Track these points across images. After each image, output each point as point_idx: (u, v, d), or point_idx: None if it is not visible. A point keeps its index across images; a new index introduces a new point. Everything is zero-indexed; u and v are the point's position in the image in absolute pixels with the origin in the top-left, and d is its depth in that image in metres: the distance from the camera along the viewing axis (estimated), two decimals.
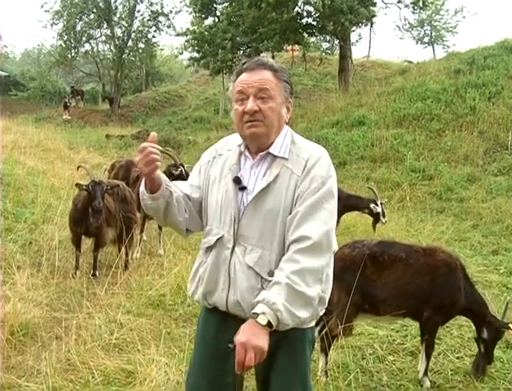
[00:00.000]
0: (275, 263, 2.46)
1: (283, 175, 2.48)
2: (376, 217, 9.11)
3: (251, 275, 2.47)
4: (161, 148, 2.48)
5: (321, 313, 2.58)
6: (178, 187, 2.66)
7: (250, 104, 2.45)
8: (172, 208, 2.59)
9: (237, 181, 2.53)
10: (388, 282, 4.56)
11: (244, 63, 2.56)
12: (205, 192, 2.67)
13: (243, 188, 2.52)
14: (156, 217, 2.74)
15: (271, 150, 2.52)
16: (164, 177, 2.54)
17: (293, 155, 2.52)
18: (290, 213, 2.45)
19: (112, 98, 33.72)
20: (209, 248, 2.60)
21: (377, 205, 8.93)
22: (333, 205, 2.48)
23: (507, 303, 4.92)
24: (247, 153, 2.59)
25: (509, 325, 4.61)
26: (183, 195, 2.65)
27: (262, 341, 2.20)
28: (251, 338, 2.19)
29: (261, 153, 2.54)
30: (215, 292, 2.57)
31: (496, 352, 5.09)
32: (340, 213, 8.72)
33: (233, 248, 2.52)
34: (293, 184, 2.46)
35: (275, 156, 2.52)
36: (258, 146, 2.54)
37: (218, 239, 2.56)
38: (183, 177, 8.14)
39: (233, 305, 2.52)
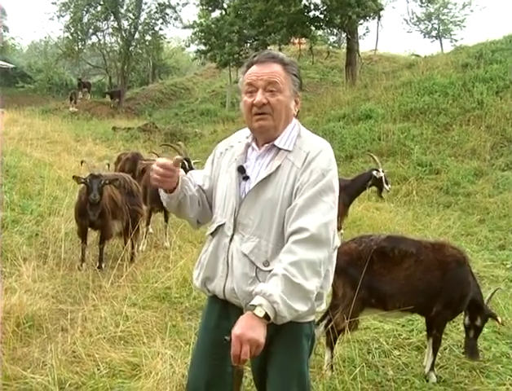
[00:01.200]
0: (271, 253, 2.47)
1: (284, 167, 2.50)
2: (380, 185, 9.07)
3: (246, 263, 2.49)
4: (178, 159, 2.54)
5: (318, 309, 2.59)
6: (194, 180, 2.74)
7: (259, 97, 2.48)
8: (184, 206, 2.68)
9: (241, 170, 2.57)
10: (398, 277, 4.53)
11: (254, 56, 2.60)
12: (215, 182, 2.73)
13: (246, 178, 2.57)
14: (169, 210, 2.89)
15: (276, 142, 2.55)
16: (181, 176, 2.60)
17: (296, 148, 2.54)
18: (289, 204, 2.46)
19: (112, 92, 33.71)
20: (211, 235, 2.66)
21: (379, 171, 8.90)
22: (332, 199, 2.48)
23: (495, 290, 5.04)
24: (254, 144, 2.64)
25: (498, 318, 4.65)
26: (197, 188, 2.73)
27: (258, 334, 2.19)
28: (247, 331, 2.18)
29: (266, 145, 2.57)
30: (214, 279, 2.62)
31: (503, 348, 5.09)
32: (348, 203, 8.73)
33: (232, 235, 2.55)
34: (293, 176, 2.48)
35: (279, 148, 2.55)
36: (265, 138, 2.58)
37: (218, 226, 2.61)
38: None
39: (229, 293, 2.55)
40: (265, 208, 2.49)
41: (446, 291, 4.51)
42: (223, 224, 2.59)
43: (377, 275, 4.51)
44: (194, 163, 8.80)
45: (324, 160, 2.50)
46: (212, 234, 2.65)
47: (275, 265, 2.36)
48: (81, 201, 7.23)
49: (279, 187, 2.48)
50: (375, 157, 9.50)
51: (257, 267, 2.47)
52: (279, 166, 2.50)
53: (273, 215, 2.48)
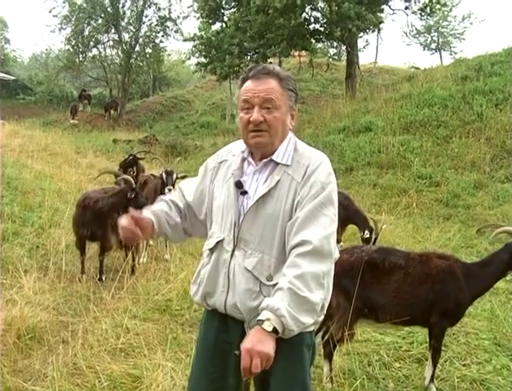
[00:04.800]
0: (274, 268, 2.48)
1: (284, 181, 2.51)
2: (364, 240, 8.96)
3: (250, 279, 2.50)
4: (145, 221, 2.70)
5: (320, 319, 2.59)
6: (182, 196, 2.87)
7: (256, 115, 2.48)
8: (169, 236, 2.87)
9: (239, 185, 2.57)
10: (387, 289, 4.54)
11: (250, 70, 2.58)
12: (210, 197, 2.73)
13: (244, 193, 2.56)
14: None
15: (274, 157, 2.55)
16: (157, 215, 2.77)
17: (294, 162, 2.55)
18: (290, 218, 2.47)
19: (107, 104, 33.77)
20: (210, 251, 2.65)
21: (369, 233, 8.76)
22: (332, 211, 2.49)
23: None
24: (250, 159, 2.63)
25: None
26: (184, 206, 2.84)
27: (268, 347, 2.20)
28: (256, 344, 2.19)
29: (264, 160, 2.57)
30: (215, 294, 2.61)
31: (503, 360, 5.10)
32: (344, 223, 8.78)
33: (233, 251, 2.55)
34: (293, 190, 2.49)
35: (277, 163, 2.55)
36: (262, 153, 2.58)
37: (217, 242, 2.61)
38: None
39: (231, 308, 2.55)
40: (266, 224, 2.50)
41: (439, 302, 4.51)
42: (222, 239, 2.59)
43: (369, 286, 4.52)
44: (181, 177, 8.68)
45: (323, 173, 2.51)
46: (211, 249, 2.65)
47: (280, 279, 2.37)
48: (80, 212, 7.25)
49: (279, 202, 2.49)
50: (377, 224, 8.95)
51: (260, 282, 2.48)
52: (278, 181, 2.50)
53: (275, 230, 2.49)
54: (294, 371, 2.58)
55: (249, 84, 2.54)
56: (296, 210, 2.47)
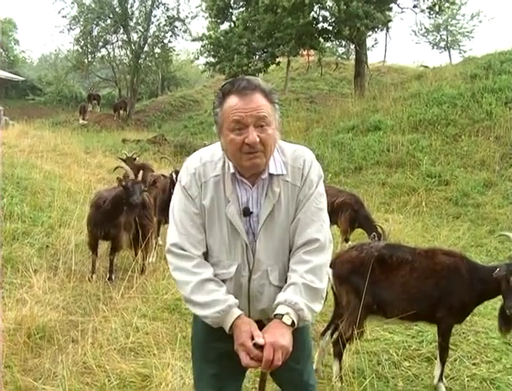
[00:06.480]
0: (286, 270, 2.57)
1: (285, 190, 2.51)
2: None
3: (275, 290, 2.55)
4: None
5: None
6: (204, 264, 2.56)
7: (252, 135, 2.34)
8: None
9: (247, 211, 2.49)
10: (395, 284, 4.55)
11: (231, 85, 2.42)
12: (204, 223, 2.55)
13: (249, 214, 2.50)
14: None
15: (271, 171, 2.48)
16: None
17: (288, 168, 2.52)
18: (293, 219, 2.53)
19: (115, 104, 33.88)
20: (223, 280, 2.54)
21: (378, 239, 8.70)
22: (324, 203, 2.59)
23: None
24: (240, 177, 2.51)
25: None
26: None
27: (288, 342, 2.33)
28: (279, 338, 2.31)
29: (262, 176, 2.48)
30: None
31: None
32: (353, 226, 8.82)
33: (250, 274, 2.55)
34: (295, 196, 2.52)
35: (272, 175, 2.49)
36: (255, 172, 2.48)
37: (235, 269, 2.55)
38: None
39: (256, 314, 2.59)
40: (278, 238, 2.52)
41: (444, 298, 4.50)
42: (238, 266, 2.52)
43: (378, 282, 4.53)
44: None
45: (315, 172, 2.56)
46: (226, 279, 2.54)
47: (290, 275, 2.48)
48: (96, 212, 7.27)
49: (285, 213, 2.51)
50: (385, 232, 8.95)
51: (281, 287, 2.52)
52: (279, 193, 2.48)
53: (286, 240, 2.55)
54: (304, 347, 2.80)
55: (236, 102, 2.37)
56: (296, 210, 2.53)
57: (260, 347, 2.30)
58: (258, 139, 2.34)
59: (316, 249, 2.48)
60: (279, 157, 2.53)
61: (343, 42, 33.45)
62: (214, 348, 2.66)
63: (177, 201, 2.60)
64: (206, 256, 2.58)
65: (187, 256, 2.52)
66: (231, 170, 2.48)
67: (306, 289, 2.41)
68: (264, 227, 2.49)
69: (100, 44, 35.40)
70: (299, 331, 2.56)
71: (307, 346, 2.88)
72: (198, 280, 2.46)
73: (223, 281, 2.53)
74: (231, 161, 2.48)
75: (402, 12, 26.62)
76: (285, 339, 2.31)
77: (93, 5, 33.52)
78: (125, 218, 7.39)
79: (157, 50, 35.60)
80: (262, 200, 2.50)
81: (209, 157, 2.57)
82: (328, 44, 32.21)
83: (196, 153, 2.63)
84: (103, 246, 7.84)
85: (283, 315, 2.36)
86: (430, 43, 47.66)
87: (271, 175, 2.49)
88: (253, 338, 2.32)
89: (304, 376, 2.84)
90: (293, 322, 2.36)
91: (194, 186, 2.53)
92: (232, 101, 2.38)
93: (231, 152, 2.42)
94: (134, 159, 12.50)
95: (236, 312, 2.41)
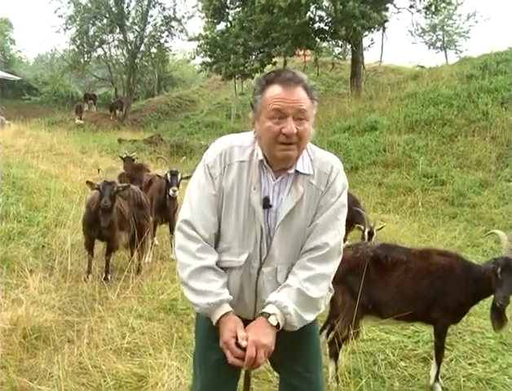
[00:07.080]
0: None
1: (308, 192, 2.49)
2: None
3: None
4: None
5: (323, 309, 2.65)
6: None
7: (291, 126, 2.34)
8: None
9: (266, 202, 2.47)
10: (390, 285, 4.56)
11: (277, 74, 2.43)
12: (220, 206, 2.53)
13: (269, 206, 2.48)
14: None
15: (298, 168, 2.48)
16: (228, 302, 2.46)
17: (315, 170, 2.51)
18: (311, 223, 2.50)
19: (111, 104, 33.87)
20: (231, 268, 2.54)
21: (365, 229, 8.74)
22: (344, 215, 2.56)
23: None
24: (268, 168, 2.51)
25: None
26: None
27: (271, 341, 2.33)
28: (262, 337, 2.31)
29: (289, 171, 2.47)
30: (239, 306, 2.53)
31: (509, 359, 5.11)
32: (351, 224, 8.83)
33: (260, 267, 2.52)
34: (317, 200, 2.50)
35: (298, 173, 2.49)
36: (284, 165, 2.47)
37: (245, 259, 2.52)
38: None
39: (261, 306, 2.53)
40: (294, 237, 2.51)
41: (438, 298, 4.49)
42: (248, 256, 2.50)
43: (373, 282, 4.53)
44: (186, 177, 8.50)
45: (341, 181, 2.56)
46: (234, 267, 2.53)
47: (289, 276, 2.47)
48: (90, 212, 7.25)
49: (305, 214, 2.49)
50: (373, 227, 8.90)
51: None
52: (303, 192, 2.46)
53: (302, 241, 2.52)
54: (312, 343, 2.77)
55: (279, 91, 2.37)
56: (315, 215, 2.50)
57: (244, 348, 2.30)
58: (295, 131, 2.34)
59: (322, 256, 2.45)
60: (307, 157, 2.52)
61: (339, 42, 33.31)
62: (216, 337, 2.56)
63: (196, 179, 2.59)
64: (217, 240, 2.56)
65: (195, 237, 2.49)
66: (260, 156, 2.48)
67: (300, 295, 2.39)
68: (282, 224, 2.47)
69: (96, 44, 35.31)
70: (313, 338, 2.63)
71: (319, 355, 2.84)
72: (199, 266, 2.45)
73: (231, 269, 2.52)
74: (262, 150, 2.48)
75: (398, 12, 26.71)
76: (268, 338, 2.32)
77: (89, 4, 33.41)
78: (120, 218, 7.38)
79: (154, 50, 35.54)
80: (283, 196, 2.49)
81: (239, 142, 2.57)
82: (325, 44, 32.16)
83: (227, 136, 2.65)
84: (100, 246, 7.82)
85: (270, 315, 2.35)
86: (427, 43, 47.78)
87: (297, 172, 2.48)
88: (237, 338, 2.32)
89: (312, 387, 2.71)
90: (278, 324, 2.35)
91: (218, 167, 2.52)
92: (275, 90, 2.39)
93: (265, 140, 2.42)
94: (133, 159, 12.49)
95: (226, 308, 2.41)
